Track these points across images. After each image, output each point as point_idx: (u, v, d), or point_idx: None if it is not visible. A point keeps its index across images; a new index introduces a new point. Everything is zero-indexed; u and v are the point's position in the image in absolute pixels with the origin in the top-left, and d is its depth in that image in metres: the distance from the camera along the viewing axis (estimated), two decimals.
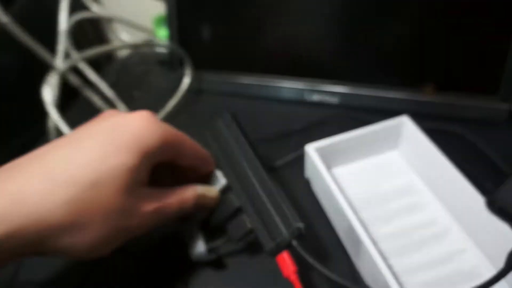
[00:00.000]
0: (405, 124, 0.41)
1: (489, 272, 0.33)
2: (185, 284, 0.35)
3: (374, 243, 0.33)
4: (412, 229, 0.37)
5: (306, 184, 0.42)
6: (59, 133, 0.44)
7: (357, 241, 0.32)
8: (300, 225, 0.32)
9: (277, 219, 0.33)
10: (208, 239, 0.35)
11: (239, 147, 0.36)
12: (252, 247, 0.37)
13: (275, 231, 0.32)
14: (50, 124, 0.45)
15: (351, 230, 0.33)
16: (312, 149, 0.39)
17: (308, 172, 0.41)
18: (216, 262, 0.36)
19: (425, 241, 0.36)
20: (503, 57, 0.44)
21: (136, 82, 0.58)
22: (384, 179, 0.41)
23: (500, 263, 0.28)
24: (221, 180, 0.36)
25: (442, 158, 0.36)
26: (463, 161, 0.38)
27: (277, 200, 0.33)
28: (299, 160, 0.42)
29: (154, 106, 0.49)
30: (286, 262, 0.31)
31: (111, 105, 0.50)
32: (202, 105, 0.53)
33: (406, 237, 0.36)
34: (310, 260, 0.30)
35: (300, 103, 0.51)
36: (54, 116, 0.44)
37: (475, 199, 0.33)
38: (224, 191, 0.36)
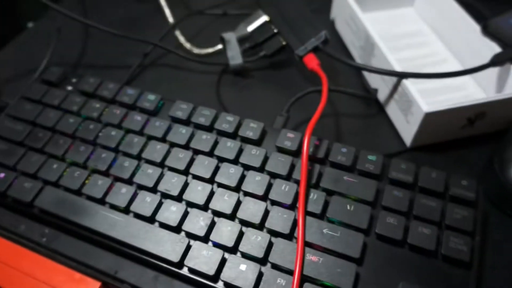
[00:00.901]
0: None
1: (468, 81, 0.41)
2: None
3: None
4: (415, 57, 0.44)
5: (331, 25, 0.50)
6: None
7: (372, 48, 0.40)
8: (325, 32, 0.40)
9: (308, 30, 0.41)
10: (245, 55, 0.44)
11: None
12: (281, 63, 0.46)
13: (307, 38, 0.41)
14: None
15: (368, 42, 0.41)
16: None
17: (334, 12, 0.49)
18: (246, 72, 0.45)
19: (424, 66, 0.44)
20: None
21: None
22: (397, 26, 0.48)
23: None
24: (261, 17, 0.44)
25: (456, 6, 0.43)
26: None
27: (306, 16, 0.42)
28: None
29: None
30: (312, 59, 0.40)
31: None
32: None
33: (410, 62, 0.44)
34: (335, 54, 0.39)
35: None
36: None
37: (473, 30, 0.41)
38: (263, 24, 0.44)
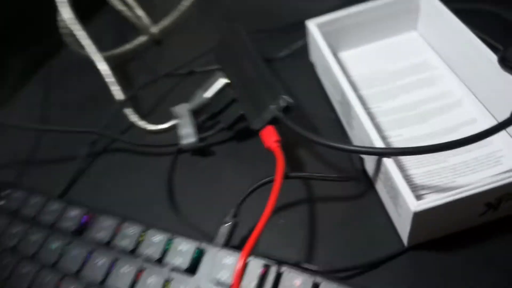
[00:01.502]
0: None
1: (501, 138, 0.30)
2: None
3: (372, 117, 0.31)
4: (418, 102, 0.34)
5: (311, 69, 0.40)
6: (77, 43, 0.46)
7: (349, 108, 0.31)
8: (286, 97, 0.31)
9: (266, 97, 0.32)
10: (199, 131, 0.36)
11: (243, 50, 0.37)
12: (240, 136, 0.37)
13: (263, 107, 0.32)
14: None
15: (344, 100, 0.31)
16: (313, 25, 0.36)
17: (312, 55, 0.39)
18: (204, 150, 0.37)
19: (431, 113, 0.33)
20: None
21: None
22: (396, 59, 0.38)
23: None
24: (220, 80, 0.37)
25: (467, 31, 0.32)
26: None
27: (268, 81, 0.33)
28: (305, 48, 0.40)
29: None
30: (269, 134, 0.31)
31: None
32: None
33: (410, 110, 0.33)
34: (296, 127, 0.30)
35: None
36: (66, 15, 0.44)
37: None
38: (222, 89, 0.37)
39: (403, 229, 0.26)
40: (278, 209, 0.31)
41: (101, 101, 0.44)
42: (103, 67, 0.44)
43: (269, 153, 0.30)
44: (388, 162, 0.26)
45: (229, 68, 0.38)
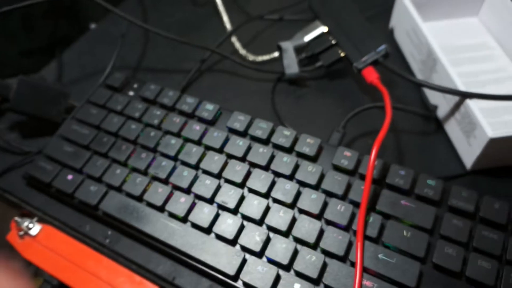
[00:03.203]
0: None
1: None
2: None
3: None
4: (479, 72, 0.43)
5: (391, 34, 0.48)
6: None
7: (434, 62, 0.39)
8: (387, 46, 0.39)
9: (369, 43, 0.40)
10: (301, 64, 0.44)
11: (343, 4, 0.44)
12: (337, 74, 0.45)
13: (366, 51, 0.40)
14: None
15: (430, 55, 0.40)
16: None
17: (396, 20, 0.48)
18: (300, 82, 0.45)
19: (489, 82, 0.42)
20: None
21: None
22: (459, 37, 0.46)
23: None
24: (318, 28, 0.44)
25: None
26: None
27: (370, 31, 0.41)
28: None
29: None
30: (371, 72, 0.39)
31: None
32: None
33: (472, 77, 0.42)
34: (395, 69, 0.38)
35: None
36: None
37: None
38: (321, 35, 0.44)
39: (471, 156, 0.35)
40: (368, 133, 0.40)
41: (208, 27, 0.51)
42: None
43: (355, 91, 0.39)
44: (470, 102, 0.35)
45: (326, 18, 0.45)
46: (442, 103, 0.39)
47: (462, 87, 0.36)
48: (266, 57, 0.47)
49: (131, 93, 0.41)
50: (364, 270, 0.28)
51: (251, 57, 0.47)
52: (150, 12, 0.55)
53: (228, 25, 0.50)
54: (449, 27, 0.48)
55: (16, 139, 0.41)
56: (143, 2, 0.56)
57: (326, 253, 0.29)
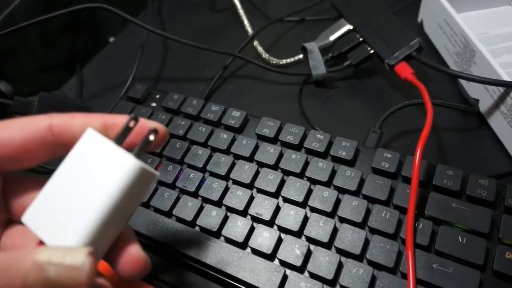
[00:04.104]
0: None
1: None
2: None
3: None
4: None
5: (420, 27, 0.46)
6: None
7: (472, 53, 0.37)
8: (420, 39, 0.37)
9: (401, 38, 0.38)
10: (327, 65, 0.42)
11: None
12: (366, 73, 0.43)
13: (398, 47, 0.38)
14: None
15: (468, 46, 0.37)
16: None
17: (425, 12, 0.45)
18: (328, 83, 0.43)
19: None
20: None
21: None
22: (495, 26, 0.44)
23: None
24: (344, 26, 0.42)
25: None
26: None
27: (399, 25, 0.39)
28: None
29: None
30: (404, 68, 0.37)
31: None
32: None
33: None
34: (432, 63, 0.36)
35: None
36: None
37: None
38: (346, 33, 0.42)
39: None
40: (406, 132, 0.37)
41: (228, 32, 0.50)
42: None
43: (386, 89, 0.37)
44: None
45: (352, 16, 0.43)
46: (484, 96, 0.36)
47: (506, 77, 0.33)
48: (290, 60, 0.45)
49: (153, 104, 0.40)
50: (418, 282, 0.26)
51: (274, 61, 0.45)
52: (169, 21, 0.54)
53: (249, 29, 0.48)
54: (483, 17, 0.45)
55: None
56: (161, 12, 0.55)
57: (374, 264, 0.27)
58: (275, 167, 0.32)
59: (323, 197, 0.30)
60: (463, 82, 0.39)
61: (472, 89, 0.38)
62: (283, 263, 0.28)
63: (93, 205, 0.19)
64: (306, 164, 0.32)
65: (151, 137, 0.21)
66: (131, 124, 0.21)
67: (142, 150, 0.21)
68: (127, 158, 0.20)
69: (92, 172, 0.20)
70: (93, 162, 0.20)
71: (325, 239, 0.28)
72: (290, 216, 0.29)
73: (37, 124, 0.21)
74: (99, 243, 0.20)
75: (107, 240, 0.20)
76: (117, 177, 0.20)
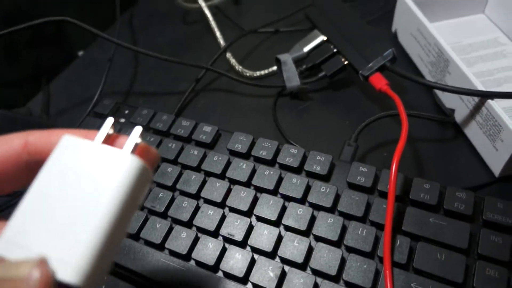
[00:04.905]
0: None
1: None
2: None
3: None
4: (493, 70, 0.40)
5: (394, 37, 0.46)
6: None
7: (446, 63, 0.36)
8: (393, 49, 0.36)
9: (375, 48, 0.37)
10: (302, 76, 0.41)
11: (342, 11, 0.42)
12: (341, 84, 0.42)
13: (372, 57, 0.37)
14: None
15: (441, 56, 0.37)
16: None
17: (398, 22, 0.45)
18: (302, 95, 0.42)
19: (506, 80, 0.39)
20: None
21: None
22: (468, 35, 0.44)
23: None
24: (318, 37, 0.42)
25: None
26: None
27: (374, 35, 0.38)
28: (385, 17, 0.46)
29: None
30: (379, 79, 0.36)
31: None
32: None
33: (487, 76, 0.39)
34: (405, 73, 0.35)
35: None
36: None
37: None
38: (320, 44, 0.41)
39: (498, 162, 0.32)
40: (382, 144, 0.36)
41: (201, 45, 0.48)
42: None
43: (362, 100, 0.36)
44: (493, 103, 0.31)
45: (326, 26, 0.43)
46: (459, 106, 0.36)
47: (481, 87, 0.33)
48: (264, 72, 0.44)
49: (122, 120, 0.38)
50: None
51: (248, 73, 0.44)
52: (140, 33, 0.53)
53: (221, 41, 0.47)
54: (455, 26, 0.45)
55: None
56: (132, 25, 0.54)
57: (350, 285, 0.26)
58: (247, 184, 0.31)
59: (297, 215, 0.29)
60: (438, 92, 0.39)
61: (448, 99, 0.37)
62: (256, 287, 0.27)
63: (96, 210, 0.17)
64: (280, 180, 0.31)
65: (138, 136, 0.19)
66: (110, 129, 0.19)
67: (133, 149, 0.19)
68: (125, 155, 0.18)
69: (85, 177, 0.17)
70: (81, 166, 0.18)
71: (299, 259, 0.27)
72: (264, 236, 0.28)
73: (11, 143, 0.19)
74: (110, 250, 0.17)
75: (115, 248, 0.17)
76: (118, 176, 0.17)
